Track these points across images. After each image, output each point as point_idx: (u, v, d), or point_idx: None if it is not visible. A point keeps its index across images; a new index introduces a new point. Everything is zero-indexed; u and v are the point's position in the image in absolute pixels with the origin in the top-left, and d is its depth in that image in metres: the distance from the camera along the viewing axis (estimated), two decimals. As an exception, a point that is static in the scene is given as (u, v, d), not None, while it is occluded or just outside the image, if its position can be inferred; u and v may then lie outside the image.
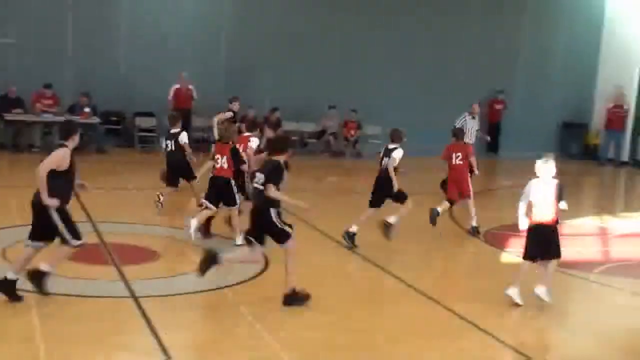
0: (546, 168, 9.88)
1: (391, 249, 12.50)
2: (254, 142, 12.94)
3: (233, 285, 10.07)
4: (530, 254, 9.98)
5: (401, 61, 23.54)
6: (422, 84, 23.68)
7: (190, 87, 21.12)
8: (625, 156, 24.40)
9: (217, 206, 12.06)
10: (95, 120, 20.84)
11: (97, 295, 9.47)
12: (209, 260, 9.17)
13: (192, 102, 21.26)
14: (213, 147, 12.52)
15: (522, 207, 10.01)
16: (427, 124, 23.24)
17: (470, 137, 16.42)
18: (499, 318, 9.70)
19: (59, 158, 8.86)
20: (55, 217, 8.84)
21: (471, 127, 16.79)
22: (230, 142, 12.13)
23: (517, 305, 9.87)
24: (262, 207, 9.25)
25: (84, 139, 15.28)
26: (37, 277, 8.98)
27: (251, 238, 9.32)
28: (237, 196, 12.03)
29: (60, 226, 8.86)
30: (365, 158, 22.22)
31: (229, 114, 16.07)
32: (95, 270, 10.34)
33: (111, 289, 9.71)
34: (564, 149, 24.62)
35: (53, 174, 8.76)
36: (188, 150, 14.01)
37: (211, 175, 12.25)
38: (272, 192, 9.11)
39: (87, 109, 20.64)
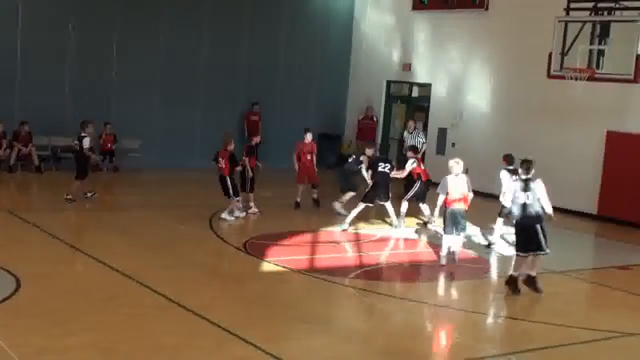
0: (458, 166, 12.98)
1: (150, 263, 12.33)
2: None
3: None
4: (448, 232, 13.15)
5: (158, 73, 23.23)
6: (182, 97, 23.50)
7: None
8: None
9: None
10: None
11: None
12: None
13: None
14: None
15: (440, 198, 13.11)
16: (188, 136, 23.20)
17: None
18: (259, 327, 9.76)
19: None
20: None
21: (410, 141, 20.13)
22: (227, 149, 15.72)
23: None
24: None
25: None
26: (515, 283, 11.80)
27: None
28: (230, 190, 15.74)
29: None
30: (122, 172, 21.75)
31: None
32: None
33: None
34: (321, 159, 25.31)
35: None
36: (87, 153, 17.16)
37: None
38: None
39: None
